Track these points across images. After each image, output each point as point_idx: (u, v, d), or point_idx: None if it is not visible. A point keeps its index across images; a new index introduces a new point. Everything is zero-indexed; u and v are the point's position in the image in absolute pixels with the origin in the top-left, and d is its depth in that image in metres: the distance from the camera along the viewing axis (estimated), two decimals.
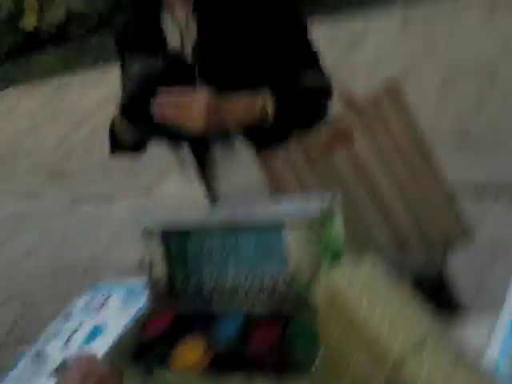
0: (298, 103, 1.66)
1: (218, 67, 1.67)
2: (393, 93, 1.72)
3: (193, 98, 1.49)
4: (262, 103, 1.58)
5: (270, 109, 1.58)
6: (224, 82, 1.63)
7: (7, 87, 12.01)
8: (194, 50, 1.69)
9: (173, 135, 1.57)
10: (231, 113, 1.58)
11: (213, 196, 1.86)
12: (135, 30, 1.81)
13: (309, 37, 1.72)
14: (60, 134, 8.06)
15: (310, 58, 1.73)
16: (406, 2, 6.68)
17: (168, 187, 5.09)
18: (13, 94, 11.47)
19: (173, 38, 1.74)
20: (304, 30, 1.72)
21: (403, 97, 1.73)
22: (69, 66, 10.77)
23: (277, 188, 1.65)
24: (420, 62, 5.52)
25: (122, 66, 1.85)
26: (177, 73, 1.53)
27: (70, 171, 6.88)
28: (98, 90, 8.43)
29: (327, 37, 6.82)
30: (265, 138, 1.65)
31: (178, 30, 1.72)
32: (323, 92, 1.71)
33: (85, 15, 10.89)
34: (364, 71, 5.61)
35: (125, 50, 1.85)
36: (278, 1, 1.67)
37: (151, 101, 1.46)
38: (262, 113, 1.58)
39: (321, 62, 1.74)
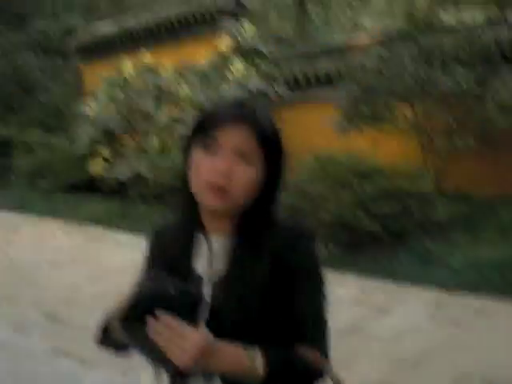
0: (287, 373, 1.62)
1: (228, 309, 1.66)
2: None
3: (188, 336, 1.47)
4: (253, 362, 1.57)
5: (259, 370, 1.57)
6: (227, 326, 1.64)
7: (51, 215, 12.36)
8: (214, 282, 1.71)
9: (157, 356, 1.52)
10: (220, 361, 1.55)
11: None
12: (168, 237, 1.82)
13: (323, 314, 1.74)
14: (71, 281, 8.00)
15: (317, 334, 1.71)
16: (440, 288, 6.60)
17: None
18: (51, 224, 11.79)
19: (200, 262, 1.75)
20: (320, 307, 1.74)
21: None
22: (115, 221, 11.06)
23: None
24: (440, 347, 5.27)
25: (146, 266, 1.87)
26: (185, 302, 1.51)
27: (64, 317, 6.72)
28: (127, 253, 8.51)
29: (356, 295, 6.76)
30: None
31: (207, 256, 1.73)
32: (315, 373, 1.66)
33: (146, 180, 11.22)
34: (378, 348, 5.39)
35: (153, 250, 1.88)
36: (306, 273, 1.70)
37: (148, 318, 1.47)
38: (250, 371, 1.57)
39: (327, 340, 1.72)
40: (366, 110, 9.31)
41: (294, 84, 12.14)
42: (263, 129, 1.65)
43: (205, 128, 1.66)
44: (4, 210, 13.83)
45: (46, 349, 5.84)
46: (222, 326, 1.63)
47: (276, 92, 11.34)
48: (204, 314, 1.63)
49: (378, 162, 8.52)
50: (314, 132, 11.30)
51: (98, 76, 13.68)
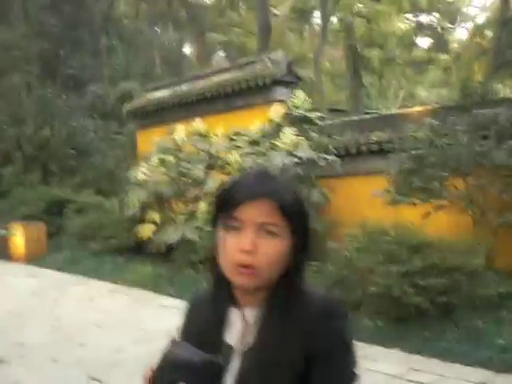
0: None
1: (253, 380, 1.65)
2: None
3: None
4: None
5: None
6: None
7: (99, 276, 12.49)
8: (244, 353, 1.69)
9: None
10: None
11: None
12: (202, 308, 1.83)
13: None
14: (115, 343, 8.00)
15: None
16: None
17: None
18: (99, 285, 11.87)
19: (233, 334, 1.74)
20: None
21: None
22: (161, 284, 11.12)
23: None
24: None
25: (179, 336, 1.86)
26: (208, 371, 1.52)
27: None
28: (172, 317, 8.46)
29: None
30: None
31: (241, 328, 1.72)
32: None
33: (194, 244, 11.30)
34: None
35: (187, 320, 1.89)
36: (336, 354, 1.65)
37: None
38: None
39: None
40: (416, 182, 9.25)
41: (345, 153, 12.17)
42: (285, 201, 1.64)
43: (226, 206, 1.66)
44: (54, 268, 14.02)
45: None
46: None
47: (326, 161, 11.37)
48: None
49: (427, 235, 8.42)
50: (364, 203, 11.23)
51: (151, 141, 13.93)
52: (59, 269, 13.95)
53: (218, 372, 1.54)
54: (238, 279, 1.65)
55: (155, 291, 10.77)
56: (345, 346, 1.68)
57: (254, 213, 1.63)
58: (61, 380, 6.75)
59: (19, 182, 20.20)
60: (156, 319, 8.88)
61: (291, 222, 1.65)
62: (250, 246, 1.61)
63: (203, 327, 1.76)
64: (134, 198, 12.44)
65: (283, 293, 1.68)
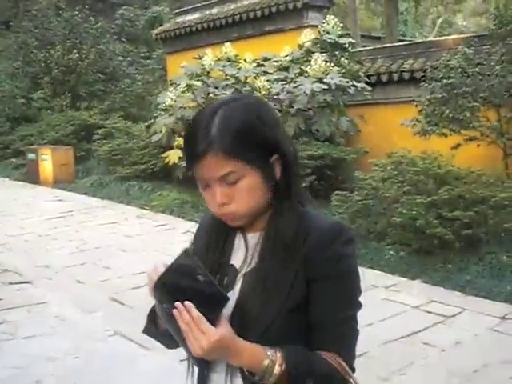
0: (306, 376, 1.60)
1: (252, 303, 1.65)
2: None
3: (205, 330, 1.50)
4: (269, 363, 1.57)
5: (277, 369, 1.56)
6: (250, 319, 1.64)
7: (125, 201, 12.57)
8: (245, 275, 1.71)
9: (177, 334, 1.57)
10: (236, 358, 1.58)
11: None
12: (211, 229, 1.82)
13: (351, 322, 1.70)
14: (139, 267, 8.06)
15: (342, 342, 1.68)
16: None
17: None
18: (125, 209, 11.95)
19: (236, 257, 1.76)
20: (348, 315, 1.68)
21: None
22: (186, 210, 11.14)
23: None
24: None
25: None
26: (209, 294, 1.53)
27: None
28: None
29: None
30: None
31: (244, 251, 1.74)
32: (335, 379, 1.63)
33: None
34: None
35: (196, 237, 1.91)
36: (337, 278, 1.65)
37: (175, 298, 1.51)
38: (267, 371, 1.56)
39: (352, 349, 1.70)
40: (447, 112, 9.04)
41: (376, 81, 11.94)
42: (226, 146, 1.58)
43: (187, 167, 1.68)
44: (82, 193, 14.15)
45: (108, 330, 5.91)
46: (245, 319, 1.64)
47: (356, 89, 11.15)
48: (231, 305, 1.63)
49: (456, 167, 8.29)
50: (393, 132, 11.08)
51: (180, 66, 13.77)
52: (86, 193, 14.06)
53: (218, 297, 1.53)
54: (228, 223, 1.71)
55: (181, 217, 10.81)
56: (349, 272, 1.67)
57: (207, 171, 1.62)
58: (84, 301, 6.84)
59: (48, 107, 20.22)
60: (180, 244, 8.87)
61: (244, 160, 1.60)
62: (222, 200, 1.63)
63: (210, 248, 1.78)
64: (161, 124, 12.36)
65: (277, 215, 1.69)
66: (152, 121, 13.21)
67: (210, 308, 1.51)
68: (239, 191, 1.62)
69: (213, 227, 1.80)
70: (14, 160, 18.69)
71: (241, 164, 1.60)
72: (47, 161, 15.85)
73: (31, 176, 16.24)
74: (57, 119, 18.83)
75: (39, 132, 18.65)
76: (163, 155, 12.33)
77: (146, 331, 1.80)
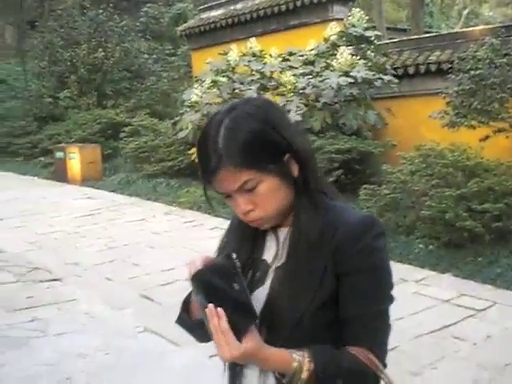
0: (336, 375, 1.60)
1: (281, 299, 1.66)
2: None
3: (230, 343, 1.51)
4: (297, 367, 1.57)
5: (305, 374, 1.57)
6: (280, 315, 1.64)
7: (153, 198, 12.61)
8: (276, 270, 1.71)
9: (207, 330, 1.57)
10: (262, 364, 1.61)
11: None
12: (243, 222, 1.76)
13: (382, 316, 1.69)
14: (167, 264, 8.09)
15: (373, 337, 1.66)
16: None
17: None
18: (153, 206, 12.00)
19: (268, 251, 1.76)
20: (380, 309, 1.68)
21: None
22: (213, 206, 11.09)
23: None
24: None
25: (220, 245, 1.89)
26: (241, 307, 1.53)
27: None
28: None
29: None
30: None
31: (276, 246, 1.74)
32: (366, 376, 1.63)
33: None
34: None
35: (229, 233, 1.88)
36: (367, 272, 1.63)
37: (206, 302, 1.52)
38: (295, 375, 1.57)
39: (383, 344, 1.69)
40: (475, 104, 8.94)
41: (403, 74, 11.85)
42: (236, 157, 1.57)
43: (204, 179, 1.67)
44: (109, 190, 14.24)
45: (137, 327, 5.93)
46: (275, 314, 1.64)
47: (383, 82, 11.06)
48: (262, 300, 1.66)
49: (485, 159, 8.20)
50: (421, 125, 10.98)
51: (205, 62, 13.78)
52: (114, 190, 14.14)
53: (249, 312, 1.53)
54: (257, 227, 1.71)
55: (208, 213, 10.81)
56: (380, 266, 1.66)
57: (223, 185, 1.61)
58: (113, 298, 6.88)
59: (75, 106, 20.39)
60: (208, 241, 8.93)
61: (257, 167, 1.59)
62: (246, 208, 1.63)
63: (243, 244, 1.78)
64: (187, 121, 12.38)
65: (298, 212, 1.68)
66: (178, 118, 13.24)
67: (239, 319, 1.51)
68: (260, 196, 1.62)
69: (244, 223, 1.77)
70: (42, 159, 18.89)
71: (255, 171, 1.58)
72: (75, 159, 15.97)
73: (59, 174, 16.38)
74: (84, 118, 18.98)
75: (66, 131, 18.82)
76: (189, 152, 12.35)
77: (179, 321, 1.80)
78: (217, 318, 1.49)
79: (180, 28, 19.19)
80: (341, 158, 10.22)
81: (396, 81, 11.32)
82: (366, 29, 12.11)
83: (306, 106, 10.96)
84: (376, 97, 11.65)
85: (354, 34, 11.96)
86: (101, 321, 6.18)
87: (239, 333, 1.50)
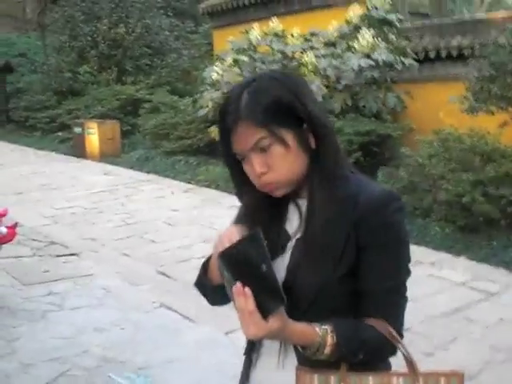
0: (357, 347, 1.64)
1: (301, 271, 1.68)
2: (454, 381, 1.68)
3: (256, 322, 1.51)
4: (321, 340, 1.60)
5: (327, 349, 1.60)
6: (301, 287, 1.67)
7: (171, 175, 12.65)
8: (297, 240, 1.73)
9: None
10: (286, 339, 1.63)
11: None
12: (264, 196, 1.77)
13: (400, 289, 1.72)
14: (184, 240, 8.15)
15: (391, 310, 1.71)
16: None
17: None
18: (171, 184, 12.04)
19: (290, 221, 1.77)
20: (397, 282, 1.71)
21: None
22: (231, 184, 11.12)
23: None
24: None
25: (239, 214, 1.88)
26: (268, 285, 1.52)
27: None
28: None
29: None
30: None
31: (298, 216, 1.75)
32: (386, 348, 1.69)
33: None
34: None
35: (248, 204, 1.84)
36: (384, 245, 1.66)
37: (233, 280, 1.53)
38: (319, 349, 1.60)
39: (400, 316, 1.73)
40: (495, 90, 8.88)
41: (424, 58, 11.77)
42: (256, 113, 1.60)
43: (222, 142, 1.71)
44: (128, 167, 14.29)
45: (154, 302, 6.00)
46: (297, 285, 1.66)
47: (404, 65, 11.01)
48: (284, 270, 1.69)
49: (503, 144, 8.17)
50: (441, 109, 10.92)
51: (226, 41, 13.74)
52: (132, 167, 14.18)
53: (276, 291, 1.52)
54: (270, 194, 1.71)
55: (226, 191, 10.83)
56: (399, 239, 1.68)
57: (240, 142, 1.64)
58: (130, 273, 6.95)
59: (94, 81, 20.39)
60: (226, 218, 8.95)
61: (274, 126, 1.61)
62: (260, 169, 1.64)
63: (265, 215, 1.77)
64: (208, 99, 12.38)
65: (316, 180, 1.68)
66: (198, 95, 13.23)
67: (266, 300, 1.51)
68: (274, 158, 1.63)
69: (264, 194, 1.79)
70: (60, 134, 18.90)
71: (271, 131, 1.61)
72: (93, 135, 16.01)
73: (77, 150, 16.44)
74: (103, 93, 18.99)
75: (85, 106, 18.84)
76: (209, 130, 12.36)
77: (198, 284, 1.82)
78: (243, 297, 1.50)
79: (202, 5, 19.10)
80: (360, 140, 10.21)
81: (417, 64, 11.26)
82: (389, 12, 12.02)
83: (326, 87, 10.92)
84: (396, 80, 11.60)
85: (377, 16, 11.86)
86: (117, 296, 6.26)
87: (266, 313, 1.51)
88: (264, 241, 1.52)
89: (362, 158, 9.97)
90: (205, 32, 23.14)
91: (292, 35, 12.35)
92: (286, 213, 1.78)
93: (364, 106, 11.04)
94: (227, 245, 1.57)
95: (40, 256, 7.65)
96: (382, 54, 10.84)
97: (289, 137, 1.63)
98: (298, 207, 1.75)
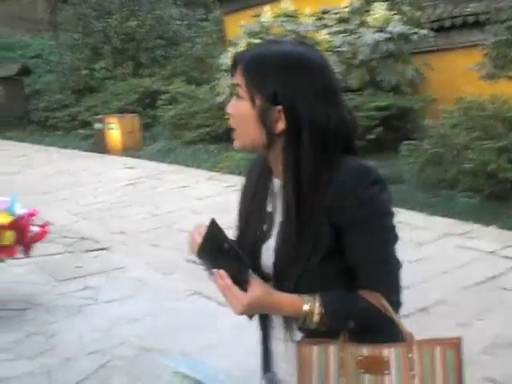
0: (346, 315, 1.69)
1: (285, 252, 1.72)
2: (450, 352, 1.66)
3: (236, 296, 1.62)
4: (308, 311, 1.66)
5: (316, 317, 1.65)
6: (288, 268, 1.71)
7: (193, 165, 12.66)
8: (281, 222, 1.76)
9: None
10: (274, 310, 1.71)
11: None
12: (253, 177, 1.91)
13: (388, 259, 1.72)
14: None
15: (380, 280, 1.71)
16: None
17: None
18: (193, 173, 12.08)
19: (273, 202, 1.81)
20: (383, 252, 1.71)
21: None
22: None
23: (301, 380, 1.71)
24: None
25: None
26: (235, 259, 1.64)
27: None
28: None
29: None
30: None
31: (278, 198, 1.79)
32: (377, 317, 1.69)
33: None
34: None
35: (243, 186, 1.97)
36: (364, 220, 1.66)
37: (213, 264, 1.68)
38: (307, 318, 1.66)
39: (393, 285, 1.73)
40: None
41: (439, 27, 11.67)
42: (248, 62, 1.69)
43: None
44: (150, 159, 14.36)
45: (186, 290, 6.04)
46: (283, 265, 1.72)
47: (419, 36, 10.93)
48: (272, 251, 1.76)
49: None
50: (460, 78, 10.84)
51: (238, 25, 13.72)
52: (154, 159, 14.23)
53: (240, 263, 1.64)
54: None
55: None
56: (379, 212, 1.68)
57: (233, 79, 1.74)
58: (160, 263, 6.99)
59: (111, 76, 20.47)
60: None
61: (250, 83, 1.68)
62: (228, 110, 1.76)
63: (252, 197, 1.87)
64: (224, 85, 12.39)
65: (286, 167, 1.70)
66: (215, 83, 13.23)
67: (238, 272, 1.63)
68: (236, 109, 1.72)
69: (253, 173, 1.91)
70: (81, 131, 19.07)
71: (247, 84, 1.68)
72: (114, 129, 16.10)
73: (99, 145, 16.52)
74: (120, 88, 19.09)
75: (104, 102, 18.96)
76: (227, 116, 12.36)
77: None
78: (220, 278, 1.62)
79: None
80: (380, 114, 10.17)
81: (432, 34, 11.17)
82: None
83: (342, 64, 10.88)
84: (413, 52, 11.52)
85: None
86: (149, 286, 6.30)
87: (242, 284, 1.61)
88: (218, 223, 1.66)
89: (383, 133, 9.93)
90: (216, 19, 23.11)
91: (304, 14, 12.30)
92: (270, 193, 1.83)
93: (382, 81, 10.99)
94: (199, 240, 1.71)
95: (71, 252, 7.72)
96: (397, 27, 10.78)
97: (254, 103, 1.67)
98: (276, 187, 1.79)
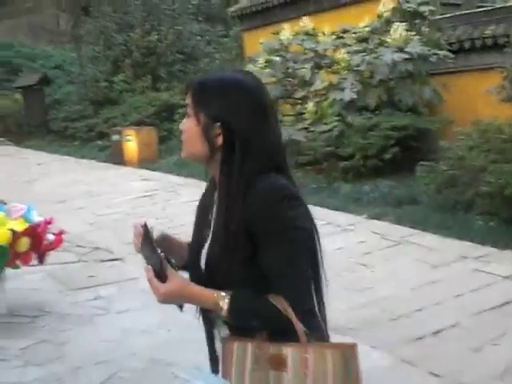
0: (250, 313, 1.89)
1: (211, 257, 1.96)
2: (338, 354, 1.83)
3: (155, 286, 1.90)
4: (217, 305, 1.86)
5: (224, 312, 1.86)
6: (213, 269, 1.94)
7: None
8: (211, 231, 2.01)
9: None
10: (190, 301, 1.95)
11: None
12: (206, 189, 2.19)
13: (294, 269, 1.86)
14: None
15: (286, 288, 1.86)
16: None
17: None
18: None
19: (213, 213, 2.04)
20: (290, 263, 1.86)
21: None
22: None
23: (224, 373, 1.92)
24: None
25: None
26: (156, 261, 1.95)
27: None
28: None
29: None
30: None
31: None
32: (279, 319, 1.84)
33: (298, 143, 11.15)
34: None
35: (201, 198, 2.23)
36: (271, 235, 1.84)
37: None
38: (217, 307, 1.87)
39: (297, 293, 1.87)
40: None
41: (458, 49, 11.67)
42: (196, 84, 1.97)
43: None
44: (166, 172, 14.44)
45: None
46: (211, 267, 1.96)
47: (438, 57, 10.92)
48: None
49: None
50: (478, 100, 10.81)
51: (257, 42, 13.78)
52: (170, 172, 14.28)
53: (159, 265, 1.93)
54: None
55: None
56: (285, 226, 1.84)
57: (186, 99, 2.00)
58: None
59: (129, 89, 20.59)
60: None
61: (194, 103, 1.94)
62: (180, 126, 2.01)
63: (202, 207, 2.15)
64: None
65: (222, 178, 1.95)
66: None
67: (160, 267, 1.91)
68: (185, 125, 1.98)
69: (206, 189, 2.17)
70: (99, 142, 19.18)
71: (193, 104, 1.94)
72: (131, 141, 16.18)
73: (116, 157, 16.60)
74: (139, 101, 19.19)
75: (122, 114, 19.06)
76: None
77: None
78: (146, 271, 1.91)
79: (232, 9, 19.17)
80: (397, 134, 10.15)
81: (451, 56, 11.17)
82: (420, 4, 11.94)
83: (360, 83, 10.89)
84: (431, 72, 11.51)
85: (408, 9, 11.81)
86: None
87: (162, 277, 1.89)
88: (149, 227, 1.99)
89: (399, 154, 9.91)
90: (235, 35, 23.21)
91: (323, 33, 12.33)
92: (214, 202, 2.04)
93: (400, 101, 10.97)
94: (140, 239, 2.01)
95: (85, 261, 7.75)
96: (416, 47, 10.78)
97: (197, 119, 1.92)
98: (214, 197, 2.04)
